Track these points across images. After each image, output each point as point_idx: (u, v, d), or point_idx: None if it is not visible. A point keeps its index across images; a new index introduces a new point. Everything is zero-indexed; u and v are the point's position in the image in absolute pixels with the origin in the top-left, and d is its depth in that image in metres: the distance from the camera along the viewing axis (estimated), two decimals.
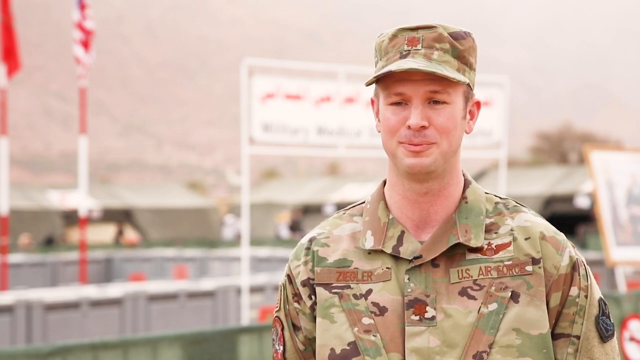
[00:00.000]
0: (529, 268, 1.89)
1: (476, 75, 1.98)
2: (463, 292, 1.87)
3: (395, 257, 1.91)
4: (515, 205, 1.98)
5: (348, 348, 1.89)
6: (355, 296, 1.91)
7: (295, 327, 2.00)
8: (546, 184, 26.76)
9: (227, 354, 5.42)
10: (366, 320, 1.88)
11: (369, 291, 1.90)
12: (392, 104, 1.90)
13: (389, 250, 1.91)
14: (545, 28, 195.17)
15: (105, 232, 29.65)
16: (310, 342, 1.98)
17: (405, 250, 1.90)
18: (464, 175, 1.98)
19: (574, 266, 1.92)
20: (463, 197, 1.95)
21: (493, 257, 1.90)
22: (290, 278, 2.00)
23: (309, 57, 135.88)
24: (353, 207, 2.04)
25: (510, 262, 1.89)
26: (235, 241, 22.50)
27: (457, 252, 1.90)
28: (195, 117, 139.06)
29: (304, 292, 1.97)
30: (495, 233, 1.92)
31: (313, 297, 1.96)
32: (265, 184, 41.23)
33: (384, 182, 2.00)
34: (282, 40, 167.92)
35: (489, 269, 1.89)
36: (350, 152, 10.15)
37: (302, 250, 2.00)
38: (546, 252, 1.90)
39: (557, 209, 25.90)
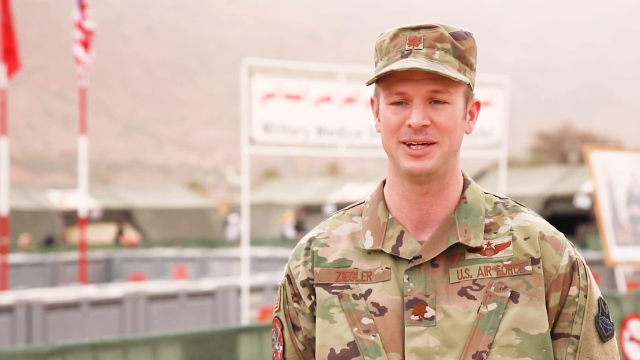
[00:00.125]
0: (529, 268, 1.89)
1: (476, 76, 1.98)
2: (462, 292, 1.87)
3: (395, 257, 1.91)
4: (515, 205, 1.98)
5: (348, 348, 1.89)
6: (355, 296, 1.91)
7: (295, 327, 2.00)
8: (546, 184, 26.76)
9: (227, 354, 5.42)
10: (366, 320, 1.89)
11: (369, 291, 1.90)
12: (393, 103, 1.90)
13: (388, 250, 1.91)
14: (545, 28, 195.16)
15: (105, 232, 29.65)
16: (310, 342, 1.98)
17: (405, 250, 1.90)
18: (463, 175, 1.98)
19: (573, 266, 1.92)
20: (462, 197, 1.95)
21: (492, 257, 1.90)
22: (289, 278, 2.00)
23: (309, 57, 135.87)
24: (352, 207, 2.04)
25: (509, 262, 1.89)
26: (238, 240, 22.48)
27: (456, 252, 1.90)
28: (195, 117, 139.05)
29: (303, 292, 1.97)
30: (495, 233, 1.92)
31: (313, 297, 1.96)
32: (265, 184, 41.22)
33: (384, 182, 2.00)
34: (282, 40, 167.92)
35: (488, 268, 1.89)
36: (350, 152, 10.15)
37: (302, 251, 2.00)
38: (545, 252, 1.90)
39: (557, 209, 25.90)
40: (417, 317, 1.86)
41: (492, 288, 1.87)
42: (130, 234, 29.76)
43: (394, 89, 1.89)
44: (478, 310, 1.86)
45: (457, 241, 1.89)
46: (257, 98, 9.33)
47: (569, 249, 1.93)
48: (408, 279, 1.89)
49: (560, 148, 53.83)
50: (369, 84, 1.92)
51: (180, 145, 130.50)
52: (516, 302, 1.86)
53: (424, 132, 1.87)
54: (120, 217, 30.22)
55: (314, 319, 1.96)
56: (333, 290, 1.93)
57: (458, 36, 1.91)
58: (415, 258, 1.89)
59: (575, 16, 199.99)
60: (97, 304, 10.19)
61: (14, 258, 18.08)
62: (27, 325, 9.61)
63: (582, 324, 1.91)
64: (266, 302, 11.18)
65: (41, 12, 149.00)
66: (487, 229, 1.93)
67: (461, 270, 1.89)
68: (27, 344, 9.45)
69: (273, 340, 2.05)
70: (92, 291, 10.92)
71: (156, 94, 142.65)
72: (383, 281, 1.90)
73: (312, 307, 1.96)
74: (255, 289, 11.08)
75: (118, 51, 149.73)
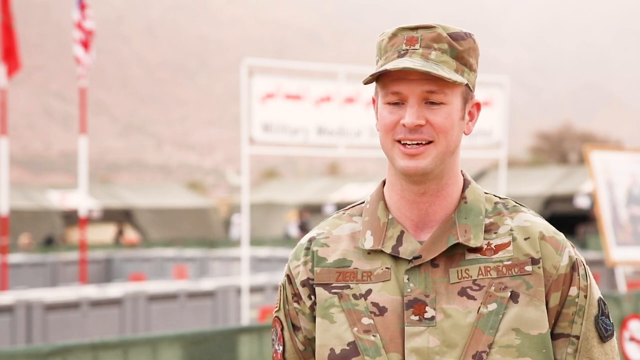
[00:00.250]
0: (529, 268, 1.89)
1: (477, 76, 1.98)
2: (462, 292, 1.87)
3: (395, 257, 1.91)
4: (515, 205, 1.98)
5: (348, 348, 1.89)
6: (355, 296, 1.91)
7: (295, 327, 2.00)
8: (546, 184, 26.76)
9: (227, 354, 5.42)
10: (366, 320, 1.89)
11: (369, 291, 1.90)
12: (389, 103, 1.90)
13: (388, 250, 1.91)
14: (545, 28, 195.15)
15: (105, 232, 29.65)
16: (310, 342, 1.98)
17: (405, 251, 1.90)
18: (463, 175, 1.98)
19: (573, 266, 1.92)
20: (462, 197, 1.95)
21: (492, 257, 1.90)
22: (289, 278, 2.00)
23: (309, 57, 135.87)
24: (352, 207, 2.04)
25: (509, 262, 1.89)
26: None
27: (456, 252, 1.90)
28: (195, 117, 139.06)
29: (303, 292, 1.97)
30: (495, 233, 1.92)
31: (312, 297, 1.96)
32: (265, 184, 41.23)
33: (384, 182, 2.00)
34: (282, 40, 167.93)
35: (488, 269, 1.89)
36: (350, 152, 10.15)
37: (302, 251, 2.00)
38: (545, 252, 1.90)
39: (557, 209, 25.90)
40: (417, 317, 1.86)
41: (492, 288, 1.87)
42: (130, 234, 29.76)
43: (390, 88, 1.89)
44: (478, 311, 1.86)
45: (457, 241, 1.89)
46: (257, 98, 9.33)
47: (569, 249, 1.93)
48: (408, 279, 1.89)
49: (560, 148, 53.85)
50: (365, 83, 1.92)
51: (180, 145, 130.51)
52: (516, 302, 1.86)
53: (419, 131, 1.87)
54: (120, 217, 30.22)
55: (313, 319, 1.96)
56: (333, 290, 1.93)
57: (456, 37, 1.91)
58: (415, 258, 1.89)
59: (575, 16, 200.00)
60: (97, 304, 10.19)
61: (14, 258, 18.08)
62: (27, 325, 9.61)
63: (582, 324, 1.91)
64: (266, 302, 11.18)
65: (41, 12, 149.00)
66: (487, 229, 1.92)
67: (461, 270, 1.89)
68: (27, 344, 9.45)
69: (273, 340, 2.05)
70: (92, 291, 10.92)
71: (156, 94, 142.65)
72: (383, 281, 1.90)
73: (312, 307, 1.96)
74: (255, 289, 11.08)
75: (118, 51, 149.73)
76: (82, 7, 13.69)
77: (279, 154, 13.69)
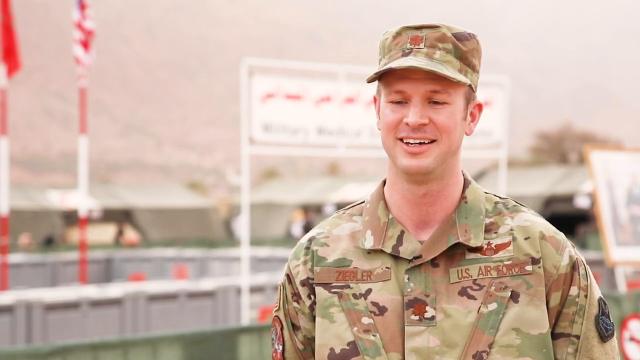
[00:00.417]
0: (529, 268, 1.89)
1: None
2: (463, 292, 1.87)
3: (395, 257, 1.91)
4: (515, 205, 1.98)
5: (347, 348, 1.88)
6: (355, 296, 1.91)
7: (295, 327, 2.00)
8: (546, 184, 26.76)
9: (227, 354, 5.42)
10: (366, 320, 1.88)
11: (369, 291, 1.90)
12: (392, 101, 1.90)
13: (388, 250, 1.91)
14: (545, 28, 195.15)
15: (105, 232, 29.66)
16: (310, 341, 1.98)
17: (405, 250, 1.90)
18: (463, 175, 1.98)
19: (573, 266, 1.92)
20: (463, 197, 1.95)
21: (493, 256, 1.90)
22: (289, 277, 2.00)
23: (309, 57, 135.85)
24: (353, 206, 2.04)
25: (510, 262, 1.89)
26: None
27: (456, 252, 1.90)
28: (195, 117, 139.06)
29: (303, 291, 1.97)
30: (495, 233, 1.92)
31: (312, 296, 1.96)
32: (265, 184, 41.23)
33: (384, 182, 2.00)
34: (282, 40, 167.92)
35: (488, 268, 1.89)
36: (350, 152, 10.15)
37: (302, 250, 2.00)
38: (546, 251, 1.90)
39: (557, 209, 25.90)
40: (417, 317, 1.86)
41: (493, 288, 1.87)
42: (130, 234, 29.75)
43: (394, 87, 1.89)
44: (478, 310, 1.86)
45: (458, 241, 1.89)
46: (257, 98, 9.33)
47: (570, 249, 1.93)
48: (408, 278, 1.89)
49: (560, 148, 53.85)
50: (369, 81, 1.92)
51: (180, 145, 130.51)
52: (516, 302, 1.86)
53: (422, 130, 1.87)
54: (120, 217, 30.22)
55: (313, 318, 1.96)
56: (333, 290, 1.93)
57: (461, 37, 1.91)
58: (415, 258, 1.89)
59: (575, 16, 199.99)
60: (97, 304, 10.19)
61: (14, 258, 18.08)
62: (27, 325, 9.61)
63: (582, 323, 1.91)
64: (266, 302, 11.18)
65: (41, 12, 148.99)
66: (488, 229, 1.92)
67: (461, 270, 1.89)
68: (27, 344, 9.45)
69: (273, 339, 2.05)
70: (92, 291, 10.92)
71: (156, 94, 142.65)
72: (383, 281, 1.90)
73: (312, 307, 1.96)
74: (255, 289, 11.08)
75: (118, 51, 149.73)
76: (82, 7, 13.69)
77: (279, 154, 13.69)
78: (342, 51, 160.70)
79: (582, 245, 17.53)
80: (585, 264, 1.96)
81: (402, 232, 1.92)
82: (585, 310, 1.91)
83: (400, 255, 1.90)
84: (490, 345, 1.84)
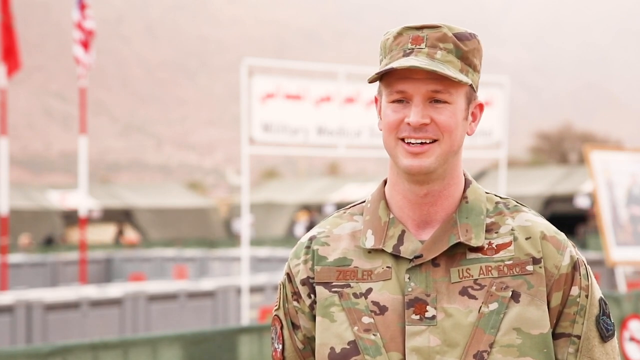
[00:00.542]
0: (530, 268, 1.88)
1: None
2: (464, 292, 1.87)
3: (396, 257, 1.91)
4: (516, 205, 1.98)
5: (348, 347, 1.88)
6: (355, 295, 1.90)
7: (295, 326, 1.99)
8: (546, 184, 26.77)
9: (227, 354, 5.42)
10: (366, 319, 1.88)
11: (369, 290, 1.90)
12: (394, 101, 1.90)
13: (389, 249, 1.91)
14: (545, 28, 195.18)
15: (105, 232, 29.66)
16: (309, 340, 1.98)
17: (406, 250, 1.90)
18: (464, 175, 1.98)
19: (574, 266, 1.92)
20: (464, 196, 1.95)
21: (494, 256, 1.89)
22: (289, 276, 2.00)
23: (309, 57, 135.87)
24: (353, 206, 2.04)
25: (511, 262, 1.89)
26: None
27: (457, 252, 1.90)
28: (195, 117, 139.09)
29: (303, 290, 1.97)
30: (496, 233, 1.92)
31: (312, 295, 1.96)
32: (265, 184, 41.24)
33: (385, 181, 2.00)
34: (282, 40, 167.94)
35: (489, 268, 1.88)
36: (350, 152, 10.15)
37: (302, 249, 2.00)
38: (547, 251, 1.90)
39: (557, 209, 25.91)
40: (417, 317, 1.86)
41: (494, 288, 1.87)
42: (130, 234, 29.76)
43: (395, 87, 1.88)
44: (479, 310, 1.85)
45: (459, 241, 1.88)
46: (257, 98, 9.33)
47: (571, 249, 1.93)
48: (409, 278, 1.88)
49: (560, 148, 53.87)
50: (370, 81, 1.92)
51: (180, 145, 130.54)
52: (517, 301, 1.86)
53: (423, 130, 1.87)
54: (120, 217, 30.23)
55: (313, 317, 1.96)
56: (333, 289, 1.93)
57: (462, 37, 1.91)
58: (416, 257, 1.88)
59: (575, 16, 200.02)
60: (97, 304, 10.19)
61: (14, 258, 18.08)
62: (27, 325, 9.61)
63: (583, 324, 1.91)
64: (266, 302, 11.18)
65: (41, 12, 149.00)
66: (489, 229, 1.92)
67: (462, 269, 1.88)
68: (27, 344, 9.45)
69: (272, 338, 2.04)
70: (92, 291, 10.92)
71: (156, 94, 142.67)
72: (384, 280, 1.90)
73: (312, 306, 1.96)
74: (255, 289, 11.08)
75: (118, 51, 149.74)
76: (82, 7, 13.69)
77: (279, 154, 13.69)
78: (342, 51, 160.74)
79: (582, 245, 17.54)
80: (586, 264, 1.96)
81: (403, 231, 1.92)
82: (586, 311, 1.91)
83: (401, 255, 1.90)
84: (491, 345, 1.84)
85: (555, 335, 1.90)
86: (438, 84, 1.86)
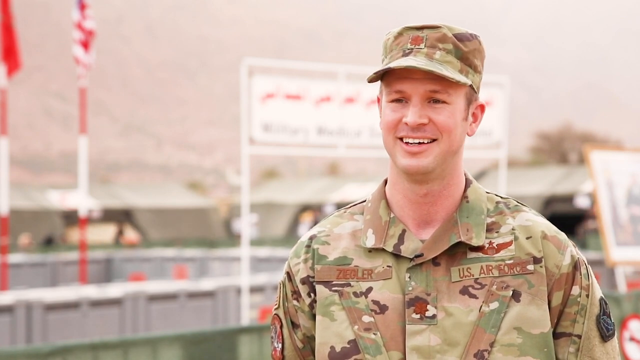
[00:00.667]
0: (531, 267, 1.88)
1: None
2: (464, 291, 1.87)
3: (396, 256, 1.91)
4: (517, 205, 1.98)
5: (348, 346, 1.88)
6: (356, 294, 1.90)
7: (294, 325, 1.99)
8: (546, 184, 26.78)
9: (227, 354, 5.42)
10: (366, 319, 1.88)
11: (369, 289, 1.90)
12: (393, 101, 1.90)
13: (390, 248, 1.91)
14: (545, 28, 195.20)
15: (105, 232, 29.66)
16: (309, 339, 1.98)
17: (407, 249, 1.90)
18: (465, 175, 1.98)
19: (575, 265, 1.92)
20: (464, 196, 1.95)
21: (494, 256, 1.89)
22: (289, 275, 2.00)
23: (309, 57, 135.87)
24: (354, 205, 2.04)
25: (511, 261, 1.89)
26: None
27: (458, 251, 1.90)
28: (195, 117, 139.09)
29: (303, 289, 1.97)
30: (497, 232, 1.92)
31: (312, 294, 1.96)
32: (265, 184, 41.25)
33: (385, 181, 2.00)
34: (282, 40, 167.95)
35: (490, 267, 1.88)
36: (350, 152, 10.15)
37: (302, 248, 1.99)
38: (548, 251, 1.90)
39: (557, 209, 25.92)
40: (418, 316, 1.86)
41: (494, 287, 1.87)
42: (130, 234, 29.76)
43: (394, 86, 1.89)
44: (480, 309, 1.85)
45: (459, 240, 1.88)
46: (257, 98, 9.33)
47: (571, 249, 1.93)
48: (409, 277, 1.88)
49: (560, 148, 53.89)
50: (369, 81, 1.92)
51: (180, 145, 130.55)
52: (518, 301, 1.86)
53: (421, 129, 1.87)
54: (120, 217, 30.23)
55: (313, 316, 1.96)
56: (333, 288, 1.93)
57: (462, 37, 1.91)
58: (417, 256, 1.88)
59: (575, 16, 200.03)
60: (97, 304, 10.19)
61: (14, 258, 18.08)
62: (27, 325, 9.61)
63: (583, 323, 1.91)
64: (266, 302, 11.18)
65: (41, 12, 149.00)
66: (489, 228, 1.92)
67: (463, 269, 1.88)
68: (27, 344, 9.45)
69: (272, 337, 2.04)
70: (92, 291, 10.92)
71: (156, 94, 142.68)
72: (384, 279, 1.90)
73: (312, 305, 1.96)
74: (255, 289, 11.08)
75: (118, 51, 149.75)
76: (82, 7, 13.69)
77: (279, 154, 13.69)
78: (342, 51, 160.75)
79: (582, 245, 17.54)
80: (587, 264, 1.96)
81: (404, 231, 1.92)
82: (586, 310, 1.91)
83: (402, 254, 1.90)
84: (492, 344, 1.84)
85: (556, 335, 1.90)
86: (436, 84, 1.86)
